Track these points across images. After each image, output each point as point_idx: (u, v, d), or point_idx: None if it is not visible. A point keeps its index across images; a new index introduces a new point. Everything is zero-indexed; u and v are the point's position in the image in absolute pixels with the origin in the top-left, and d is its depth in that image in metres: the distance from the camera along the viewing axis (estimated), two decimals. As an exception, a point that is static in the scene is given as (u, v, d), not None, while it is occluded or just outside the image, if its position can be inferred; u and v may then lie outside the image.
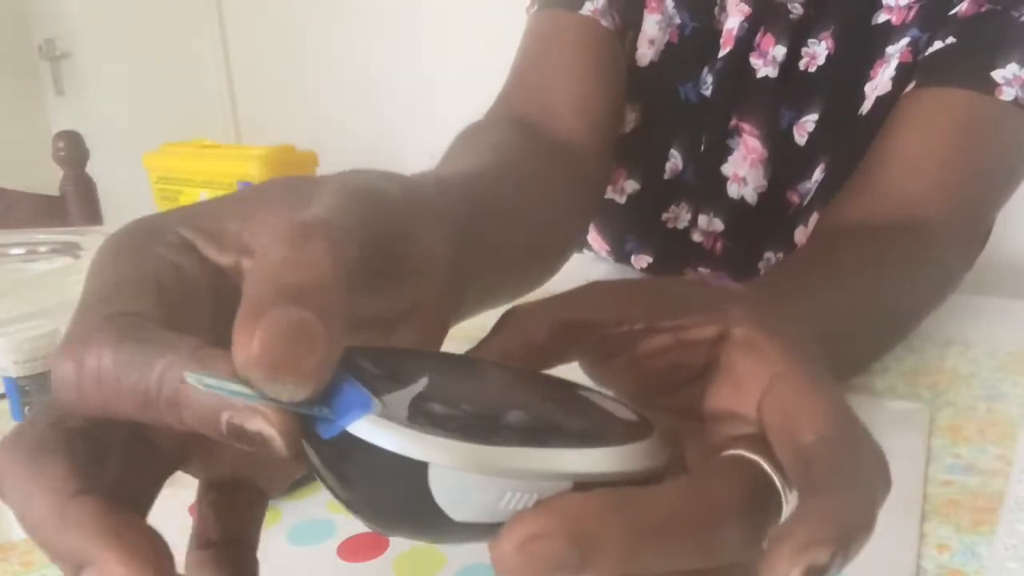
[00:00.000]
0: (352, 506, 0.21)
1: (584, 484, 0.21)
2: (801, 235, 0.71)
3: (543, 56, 0.68)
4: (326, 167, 0.98)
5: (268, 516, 0.40)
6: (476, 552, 0.37)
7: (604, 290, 0.28)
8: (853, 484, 0.22)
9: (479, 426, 0.20)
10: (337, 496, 0.21)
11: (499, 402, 0.23)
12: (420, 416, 0.20)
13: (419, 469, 0.19)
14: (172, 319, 0.22)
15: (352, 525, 0.39)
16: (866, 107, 0.64)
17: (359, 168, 0.27)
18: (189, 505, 0.41)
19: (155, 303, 0.22)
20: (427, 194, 0.29)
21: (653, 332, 0.27)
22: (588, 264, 0.85)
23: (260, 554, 0.37)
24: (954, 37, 0.58)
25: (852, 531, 0.21)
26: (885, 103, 0.62)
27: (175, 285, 0.23)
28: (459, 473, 0.19)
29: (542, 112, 0.65)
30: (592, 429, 0.23)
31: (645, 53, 0.71)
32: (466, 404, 0.21)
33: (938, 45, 0.59)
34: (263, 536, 0.39)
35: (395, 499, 0.20)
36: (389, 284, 0.25)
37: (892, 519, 0.37)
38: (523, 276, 0.48)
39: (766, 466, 0.23)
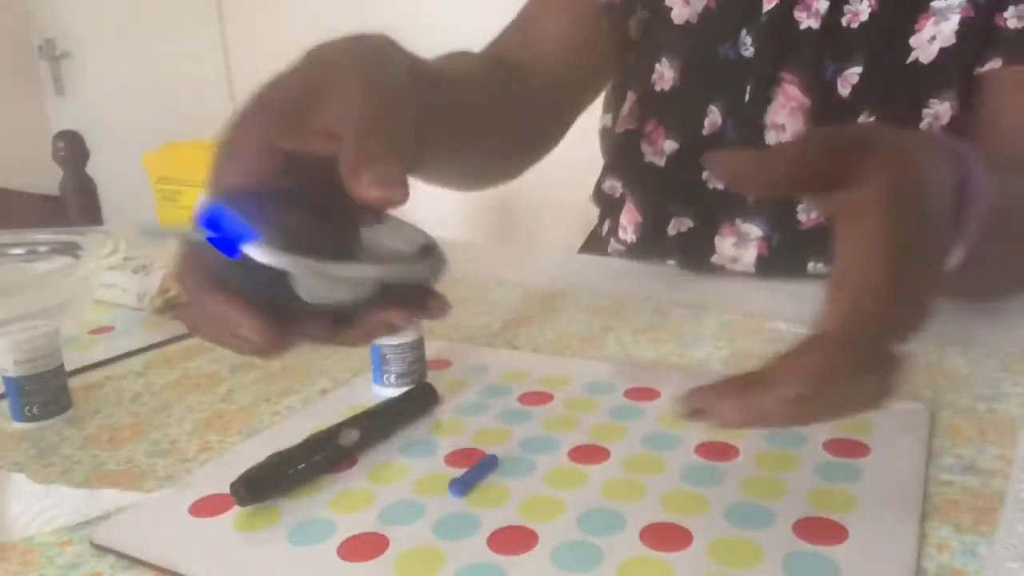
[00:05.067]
0: (246, 292, 0.33)
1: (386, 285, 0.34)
2: None
3: (535, 8, 0.77)
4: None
5: (268, 516, 0.40)
6: (476, 552, 0.37)
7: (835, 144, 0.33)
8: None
9: (315, 249, 0.32)
10: (236, 286, 0.33)
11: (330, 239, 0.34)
12: (281, 242, 0.31)
13: (285, 275, 0.31)
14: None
15: (353, 525, 0.39)
16: (920, 57, 0.66)
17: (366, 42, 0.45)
18: (189, 504, 0.41)
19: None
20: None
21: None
22: (592, 264, 0.85)
23: (259, 556, 0.37)
24: None
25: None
26: (950, 54, 0.65)
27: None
28: (309, 278, 0.32)
29: (523, 46, 0.74)
30: (391, 255, 0.36)
31: (681, 12, 0.73)
32: (309, 236, 0.33)
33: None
34: (262, 538, 0.39)
35: (271, 291, 0.32)
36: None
37: (892, 519, 0.38)
38: (472, 159, 0.64)
39: None
